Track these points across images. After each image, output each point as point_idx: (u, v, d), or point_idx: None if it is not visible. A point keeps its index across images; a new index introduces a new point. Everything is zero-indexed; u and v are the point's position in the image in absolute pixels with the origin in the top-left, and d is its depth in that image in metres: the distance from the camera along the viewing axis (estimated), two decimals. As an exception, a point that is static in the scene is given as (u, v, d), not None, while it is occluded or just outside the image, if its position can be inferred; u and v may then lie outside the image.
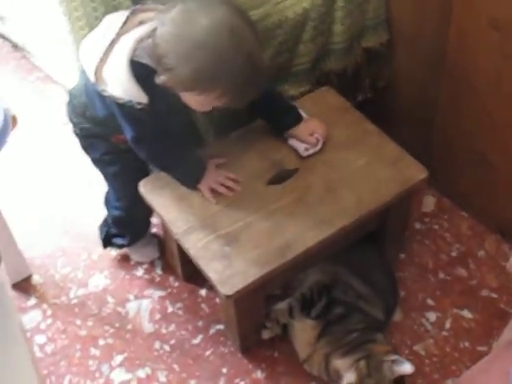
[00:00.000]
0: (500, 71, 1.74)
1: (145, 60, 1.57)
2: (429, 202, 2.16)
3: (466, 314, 1.91)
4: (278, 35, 1.89)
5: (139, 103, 1.57)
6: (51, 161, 2.37)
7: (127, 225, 1.98)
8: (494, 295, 1.94)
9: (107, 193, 1.96)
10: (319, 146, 1.81)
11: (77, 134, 1.82)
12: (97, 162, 1.86)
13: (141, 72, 1.57)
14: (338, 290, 1.81)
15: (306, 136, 1.81)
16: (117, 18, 1.62)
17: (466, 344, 1.86)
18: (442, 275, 1.99)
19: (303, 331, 1.78)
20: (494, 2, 1.65)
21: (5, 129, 0.94)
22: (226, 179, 1.74)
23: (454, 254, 2.04)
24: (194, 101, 1.58)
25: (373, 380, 1.65)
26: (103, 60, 1.59)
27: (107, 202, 1.96)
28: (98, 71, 1.59)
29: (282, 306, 1.81)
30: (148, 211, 1.85)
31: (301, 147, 1.81)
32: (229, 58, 1.46)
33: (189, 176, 1.76)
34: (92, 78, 1.59)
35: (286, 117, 1.82)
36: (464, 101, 1.89)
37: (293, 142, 1.82)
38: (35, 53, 2.62)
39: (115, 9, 1.74)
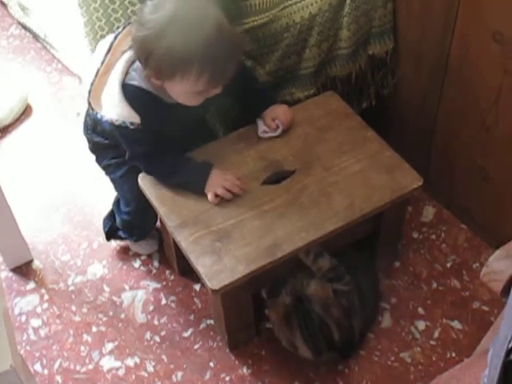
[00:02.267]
0: (500, 85, 1.74)
1: (136, 82, 1.68)
2: (428, 213, 2.17)
3: (456, 324, 1.92)
4: (285, 38, 1.92)
5: (132, 123, 1.66)
6: (60, 150, 2.42)
7: (135, 227, 2.01)
8: (486, 308, 1.94)
9: (116, 198, 2.01)
10: (278, 133, 1.86)
11: (90, 149, 1.95)
12: (106, 168, 1.95)
13: (131, 94, 1.67)
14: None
15: (269, 120, 1.86)
16: (105, 44, 1.73)
17: (453, 354, 1.86)
18: (434, 285, 2.00)
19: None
20: (499, 15, 1.66)
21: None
22: (233, 185, 1.75)
23: (448, 264, 2.04)
24: (181, 92, 1.64)
25: None
26: (97, 85, 1.70)
27: (117, 208, 2.01)
28: (93, 96, 1.71)
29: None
30: (156, 214, 1.87)
31: (261, 128, 1.87)
32: (198, 28, 1.52)
33: (195, 184, 1.77)
34: (87, 103, 1.72)
35: (259, 102, 1.87)
36: (464, 113, 1.90)
37: (258, 121, 1.88)
38: (55, 44, 2.67)
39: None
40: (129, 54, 1.68)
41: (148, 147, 1.74)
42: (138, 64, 1.66)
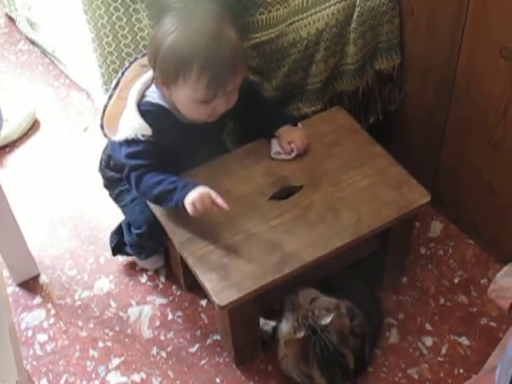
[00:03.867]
0: (508, 101, 1.74)
1: (153, 99, 1.73)
2: (436, 228, 2.16)
3: (464, 340, 1.90)
4: (292, 54, 1.93)
5: (143, 135, 1.68)
6: (68, 165, 2.42)
7: (145, 247, 2.00)
8: (494, 324, 1.93)
9: (127, 220, 1.98)
10: (291, 156, 1.85)
11: (104, 185, 1.99)
12: (118, 196, 1.96)
13: (146, 106, 1.72)
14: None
15: (284, 142, 1.85)
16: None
17: (461, 371, 1.85)
18: (442, 301, 1.99)
19: None
20: (506, 31, 1.66)
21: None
22: (211, 203, 1.64)
23: (456, 280, 2.04)
24: (185, 99, 1.66)
25: None
26: (110, 112, 1.77)
27: (127, 230, 1.98)
28: (106, 121, 1.78)
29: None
30: (165, 234, 1.83)
31: (274, 149, 1.86)
32: (202, 31, 1.59)
33: (177, 199, 1.68)
34: (103, 134, 1.79)
35: (272, 122, 1.88)
36: (471, 129, 1.90)
37: (272, 141, 1.88)
38: (63, 59, 2.68)
39: (137, 20, 1.81)
40: (145, 78, 1.73)
41: (149, 160, 1.70)
42: (153, 87, 1.72)
